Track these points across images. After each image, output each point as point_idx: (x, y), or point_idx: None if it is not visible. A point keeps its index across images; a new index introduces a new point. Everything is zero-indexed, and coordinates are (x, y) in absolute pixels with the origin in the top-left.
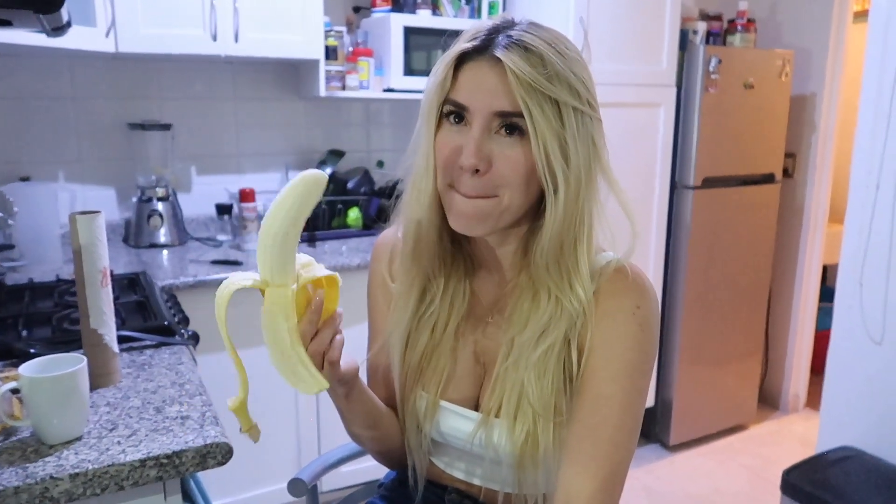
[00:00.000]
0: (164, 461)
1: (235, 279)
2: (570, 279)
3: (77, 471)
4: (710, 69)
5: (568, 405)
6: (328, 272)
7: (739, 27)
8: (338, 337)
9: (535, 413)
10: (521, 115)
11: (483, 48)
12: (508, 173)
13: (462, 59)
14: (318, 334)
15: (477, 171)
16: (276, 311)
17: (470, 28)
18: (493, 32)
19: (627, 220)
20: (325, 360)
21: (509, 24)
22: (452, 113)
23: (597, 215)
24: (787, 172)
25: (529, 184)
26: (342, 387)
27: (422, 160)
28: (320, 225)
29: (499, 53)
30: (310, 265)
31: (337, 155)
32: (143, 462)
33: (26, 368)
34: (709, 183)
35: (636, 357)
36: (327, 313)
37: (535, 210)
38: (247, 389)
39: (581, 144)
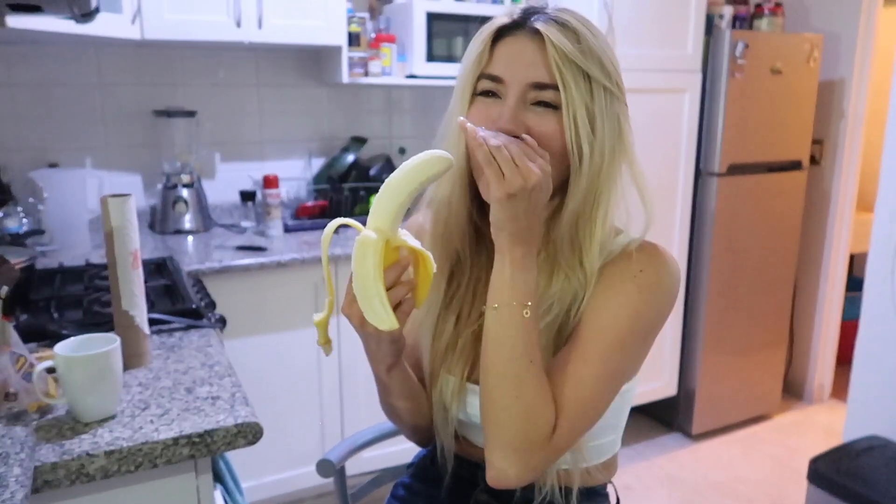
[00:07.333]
0: (197, 440)
1: (339, 218)
2: (581, 257)
3: (112, 448)
4: (737, 54)
5: None
6: (422, 248)
7: (767, 11)
8: (409, 296)
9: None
10: (555, 88)
11: (521, 23)
12: (544, 143)
13: (499, 35)
14: (397, 287)
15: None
16: (367, 245)
17: (501, 12)
18: (529, 12)
19: (642, 204)
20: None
21: (542, 7)
22: (486, 91)
23: (614, 197)
24: (814, 159)
25: (563, 156)
26: (391, 355)
27: (453, 138)
28: (343, 212)
29: (538, 25)
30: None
31: (359, 142)
32: (175, 440)
33: (62, 347)
34: (734, 170)
35: (628, 315)
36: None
37: (558, 191)
38: (332, 309)
39: (608, 122)
